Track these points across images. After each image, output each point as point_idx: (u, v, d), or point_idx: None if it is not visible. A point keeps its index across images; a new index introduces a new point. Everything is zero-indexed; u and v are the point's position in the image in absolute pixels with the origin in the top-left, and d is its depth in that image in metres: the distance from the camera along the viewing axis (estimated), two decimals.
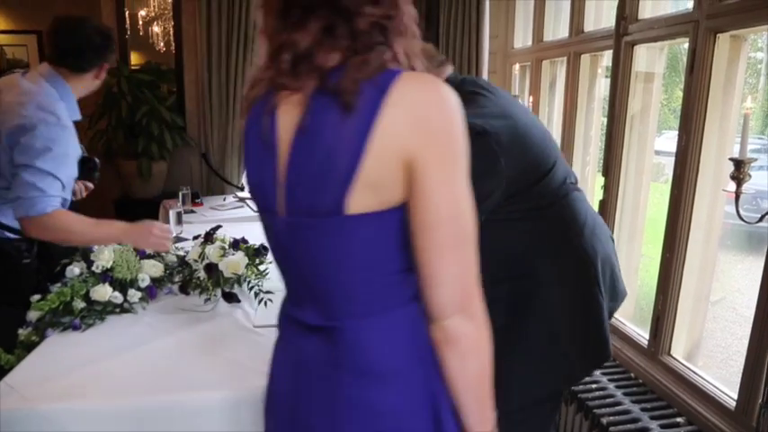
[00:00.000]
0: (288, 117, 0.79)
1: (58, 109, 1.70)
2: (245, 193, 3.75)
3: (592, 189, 2.82)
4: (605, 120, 2.58)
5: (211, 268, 1.72)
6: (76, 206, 1.90)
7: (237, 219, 3.19)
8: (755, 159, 1.69)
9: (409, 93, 0.75)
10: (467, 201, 0.78)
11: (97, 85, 1.90)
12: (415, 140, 0.74)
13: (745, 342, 2.07)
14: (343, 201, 0.75)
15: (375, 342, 0.82)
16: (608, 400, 2.20)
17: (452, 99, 0.77)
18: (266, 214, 0.86)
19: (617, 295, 1.77)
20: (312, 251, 0.81)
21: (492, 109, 1.54)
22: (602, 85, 2.76)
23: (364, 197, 0.75)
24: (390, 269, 0.81)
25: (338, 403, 0.81)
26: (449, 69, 1.64)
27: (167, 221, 2.79)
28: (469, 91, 1.55)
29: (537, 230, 1.58)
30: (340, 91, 0.74)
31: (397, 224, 0.78)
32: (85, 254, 1.73)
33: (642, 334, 2.72)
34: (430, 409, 0.82)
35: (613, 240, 1.83)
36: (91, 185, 2.12)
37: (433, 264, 0.78)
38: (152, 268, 1.78)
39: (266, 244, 0.93)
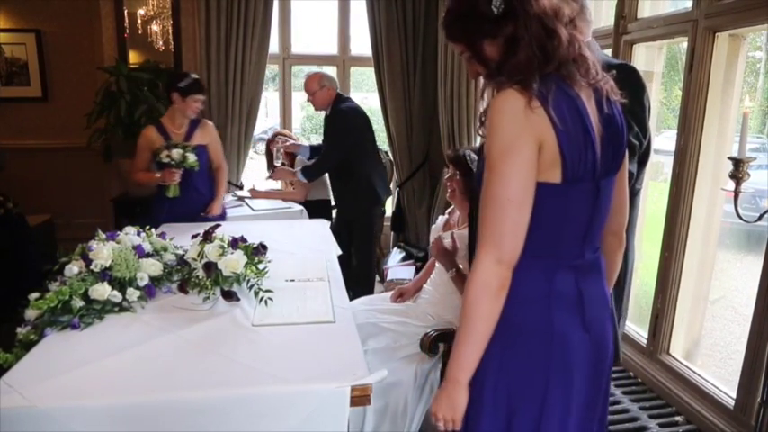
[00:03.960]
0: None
1: None
2: (244, 192, 3.74)
3: None
4: None
5: (210, 267, 1.72)
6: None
7: (236, 218, 3.19)
8: (754, 158, 1.69)
9: None
10: None
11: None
12: None
13: (744, 341, 2.07)
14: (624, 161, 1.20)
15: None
16: None
17: None
18: (582, 184, 1.11)
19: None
20: (608, 201, 1.20)
21: None
22: None
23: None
24: None
25: (605, 291, 1.26)
26: None
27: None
28: None
29: None
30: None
31: None
32: (84, 252, 1.72)
33: (641, 333, 2.73)
34: None
35: None
36: None
37: (626, 197, 1.28)
38: (151, 267, 1.78)
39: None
